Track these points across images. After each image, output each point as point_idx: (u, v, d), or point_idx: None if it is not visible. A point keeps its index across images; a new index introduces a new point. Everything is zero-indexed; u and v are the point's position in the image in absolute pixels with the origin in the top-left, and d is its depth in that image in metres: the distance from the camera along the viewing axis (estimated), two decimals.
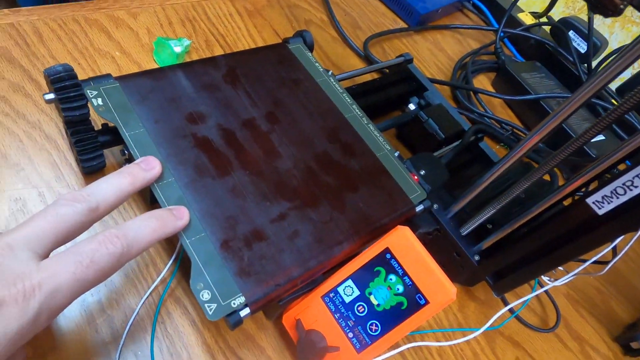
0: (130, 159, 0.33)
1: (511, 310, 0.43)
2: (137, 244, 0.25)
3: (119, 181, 0.27)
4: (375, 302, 0.31)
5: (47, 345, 0.30)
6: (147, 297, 0.34)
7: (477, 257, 0.40)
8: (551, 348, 0.44)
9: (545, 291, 0.46)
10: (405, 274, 0.31)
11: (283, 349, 0.35)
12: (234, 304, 0.28)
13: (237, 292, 0.28)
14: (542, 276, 0.40)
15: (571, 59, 0.67)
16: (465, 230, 0.40)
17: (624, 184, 0.28)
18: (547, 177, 0.40)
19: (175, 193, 0.31)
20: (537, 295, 0.46)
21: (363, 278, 0.32)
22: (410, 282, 0.31)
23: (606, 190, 0.30)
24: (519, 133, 0.60)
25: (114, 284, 0.34)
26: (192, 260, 0.29)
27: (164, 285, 0.35)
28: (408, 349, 0.38)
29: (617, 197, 0.29)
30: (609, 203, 0.30)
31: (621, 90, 0.70)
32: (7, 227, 0.33)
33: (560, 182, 0.45)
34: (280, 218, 0.33)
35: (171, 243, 0.37)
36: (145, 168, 0.29)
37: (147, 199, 0.37)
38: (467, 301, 0.43)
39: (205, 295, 0.28)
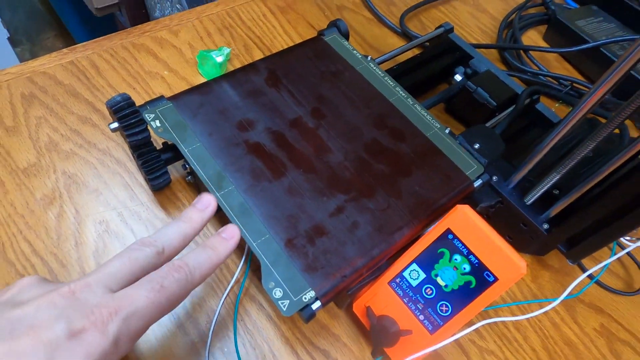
0: (191, 172, 0.35)
1: (590, 276, 0.41)
2: (198, 272, 0.27)
3: (180, 226, 0.29)
4: (442, 283, 0.32)
5: (145, 348, 0.33)
6: (225, 298, 0.36)
7: (545, 226, 0.38)
8: (639, 312, 0.41)
9: (628, 253, 0.43)
10: (470, 252, 0.31)
11: (357, 335, 0.36)
12: (305, 298, 0.29)
13: (306, 287, 0.30)
14: (622, 238, 0.38)
15: None
16: (530, 199, 0.39)
17: None
18: (616, 131, 0.38)
19: (237, 200, 0.33)
20: (618, 258, 0.44)
21: (427, 261, 0.32)
22: (477, 261, 0.31)
23: None
24: (581, 87, 0.56)
25: (195, 290, 0.36)
26: (261, 262, 0.30)
27: (239, 285, 0.37)
28: (483, 325, 0.38)
29: None
30: None
31: None
32: (97, 248, 0.37)
33: (633, 134, 0.42)
34: (338, 211, 0.33)
35: (240, 247, 0.39)
36: (201, 208, 0.31)
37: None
38: (540, 271, 0.42)
39: (278, 293, 0.29)
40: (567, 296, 0.36)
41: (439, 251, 0.32)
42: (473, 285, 0.31)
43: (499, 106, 0.46)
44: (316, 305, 0.29)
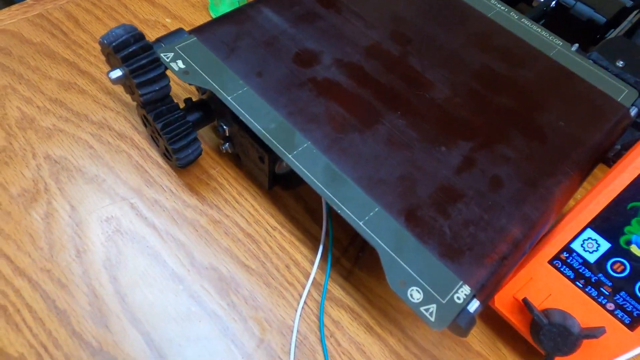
0: (230, 137, 0.24)
1: None
2: None
3: None
4: (639, 252, 0.21)
5: None
6: (302, 307, 0.25)
7: None
8: None
9: None
10: None
11: (494, 339, 0.26)
12: (459, 298, 0.19)
13: (455, 280, 0.19)
14: None
15: None
16: None
17: None
18: None
19: (319, 161, 0.22)
20: None
21: (611, 223, 0.22)
22: None
23: None
24: None
25: (257, 300, 0.25)
26: (379, 250, 0.19)
27: (318, 287, 0.26)
28: None
29: None
30: None
31: None
32: (108, 256, 0.26)
33: None
34: (467, 164, 0.23)
35: (304, 229, 0.28)
36: None
37: (265, 181, 0.28)
38: None
39: (416, 294, 0.19)
40: None
41: (629, 207, 0.22)
42: None
43: (609, 22, 0.35)
44: (474, 306, 0.19)
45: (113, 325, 0.24)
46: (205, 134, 0.31)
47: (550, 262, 0.23)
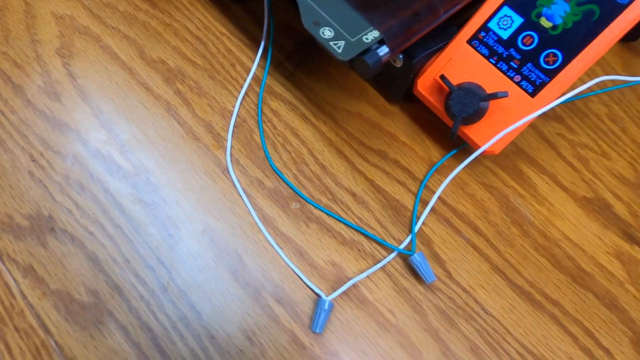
0: None
1: None
2: None
3: None
4: (548, 24, 0.23)
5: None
6: (244, 97, 0.27)
7: None
8: None
9: None
10: None
11: (420, 133, 0.28)
12: (367, 38, 0.20)
13: (366, 25, 0.21)
14: None
15: None
16: None
17: None
18: None
19: None
20: None
21: None
22: None
23: None
24: None
25: (201, 89, 0.27)
26: None
27: (259, 82, 0.28)
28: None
29: None
30: None
31: None
32: (61, 45, 0.27)
33: None
34: None
35: (251, 35, 0.29)
36: None
37: None
38: (631, 59, 0.33)
39: (327, 32, 0.20)
40: None
41: None
42: (596, 17, 0.22)
43: None
44: (383, 50, 0.20)
45: (66, 100, 0.26)
46: None
47: (469, 41, 0.24)
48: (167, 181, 0.25)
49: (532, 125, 0.29)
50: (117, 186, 0.25)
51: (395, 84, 0.27)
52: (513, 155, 0.28)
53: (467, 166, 0.27)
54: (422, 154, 0.27)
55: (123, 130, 0.26)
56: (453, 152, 0.27)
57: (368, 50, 0.20)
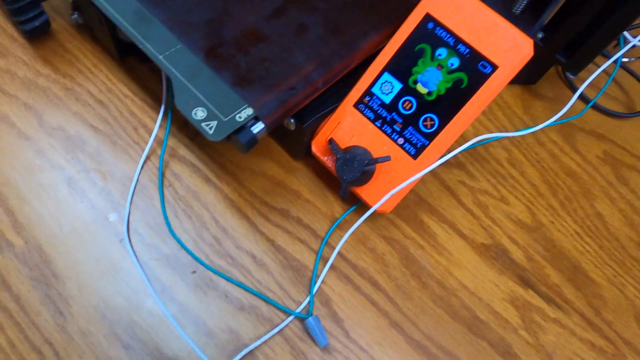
0: (77, 5, 0.25)
1: (586, 100, 0.35)
2: None
3: None
4: (424, 90, 0.24)
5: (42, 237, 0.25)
6: (145, 161, 0.27)
7: (540, 35, 0.31)
8: None
9: (625, 68, 0.37)
10: (458, 41, 0.23)
11: (322, 188, 0.29)
12: (240, 117, 0.21)
13: (240, 103, 0.21)
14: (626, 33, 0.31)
15: None
16: (519, 7, 0.31)
17: None
18: None
19: (130, 5, 0.23)
20: (615, 81, 0.38)
21: (402, 65, 0.24)
22: (467, 50, 0.23)
23: None
24: None
25: (102, 155, 0.27)
26: (172, 78, 0.21)
27: (161, 144, 0.28)
28: (473, 165, 0.31)
29: None
30: None
31: None
32: None
33: None
34: (277, 13, 0.24)
35: (156, 96, 0.30)
36: None
37: (113, 49, 0.29)
38: (532, 101, 0.35)
39: (200, 113, 0.21)
40: (559, 120, 0.30)
41: (417, 48, 0.24)
42: (465, 84, 0.23)
43: None
44: (258, 127, 0.21)
45: None
46: (63, 10, 0.32)
47: (355, 105, 0.25)
48: (60, 255, 0.25)
49: (433, 174, 0.30)
50: (5, 263, 0.24)
51: (294, 143, 0.28)
52: (414, 206, 0.29)
53: (368, 219, 0.28)
54: (325, 209, 0.28)
55: (19, 202, 0.26)
56: (353, 207, 0.28)
57: (243, 127, 0.21)
